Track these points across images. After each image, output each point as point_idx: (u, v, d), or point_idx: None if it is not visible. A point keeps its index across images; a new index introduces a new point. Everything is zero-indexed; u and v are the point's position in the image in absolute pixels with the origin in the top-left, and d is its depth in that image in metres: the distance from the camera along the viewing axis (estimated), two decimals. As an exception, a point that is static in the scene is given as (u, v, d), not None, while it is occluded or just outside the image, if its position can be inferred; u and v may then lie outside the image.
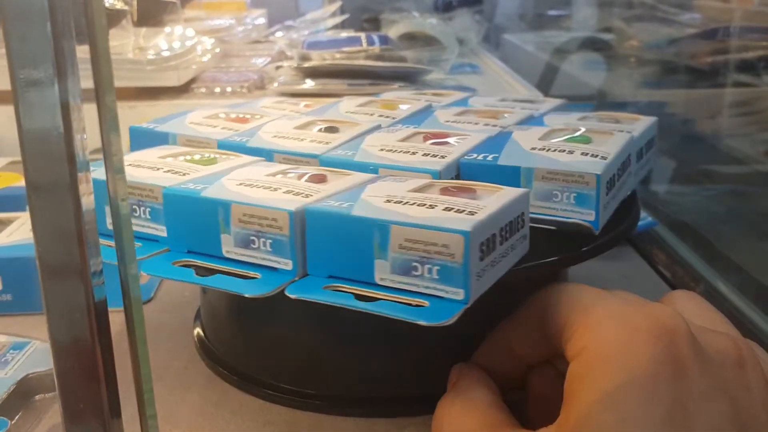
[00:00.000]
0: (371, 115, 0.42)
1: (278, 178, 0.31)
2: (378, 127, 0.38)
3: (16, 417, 0.32)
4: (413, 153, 0.33)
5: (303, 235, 0.27)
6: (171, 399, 0.34)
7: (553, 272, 0.33)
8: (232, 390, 0.34)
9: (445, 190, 0.29)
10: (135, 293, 0.20)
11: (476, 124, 0.39)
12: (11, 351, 0.35)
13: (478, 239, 0.25)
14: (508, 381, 0.29)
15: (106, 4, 0.74)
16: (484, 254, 0.26)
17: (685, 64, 0.86)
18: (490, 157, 0.33)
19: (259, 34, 1.08)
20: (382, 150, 0.34)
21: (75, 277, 0.19)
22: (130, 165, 0.32)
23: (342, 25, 1.09)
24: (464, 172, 0.33)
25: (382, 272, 0.26)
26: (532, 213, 0.31)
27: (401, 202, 0.27)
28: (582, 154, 0.32)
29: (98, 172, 0.29)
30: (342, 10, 1.15)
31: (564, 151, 0.33)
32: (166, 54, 0.72)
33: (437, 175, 0.31)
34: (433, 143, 0.35)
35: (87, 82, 0.19)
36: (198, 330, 0.38)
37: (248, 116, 0.41)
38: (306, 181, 0.30)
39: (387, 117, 0.41)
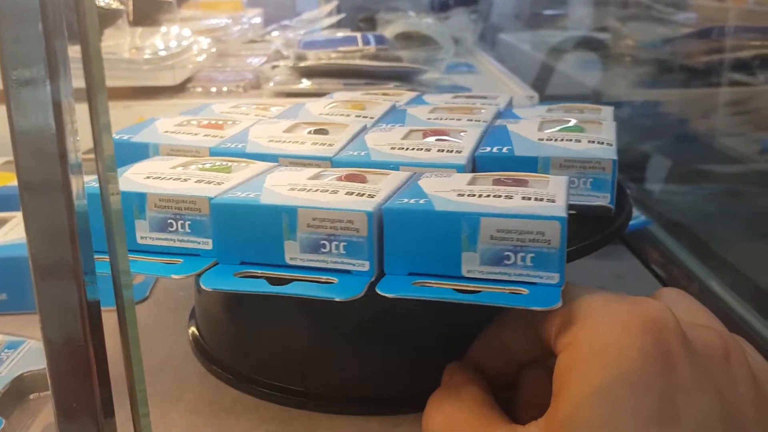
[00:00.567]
0: (347, 116, 0.41)
1: (324, 181, 0.30)
2: (365, 128, 0.38)
3: (11, 416, 0.32)
4: (427, 150, 0.34)
5: (380, 236, 0.27)
6: (166, 398, 0.34)
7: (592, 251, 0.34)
8: (227, 389, 0.34)
9: (499, 182, 0.30)
10: (127, 292, 0.20)
11: (459, 120, 0.40)
12: (6, 350, 0.35)
13: (567, 225, 0.26)
14: (500, 379, 0.29)
15: (102, 4, 0.74)
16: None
17: (680, 63, 0.86)
18: (504, 149, 0.33)
19: (255, 34, 1.08)
20: (393, 148, 0.34)
21: (68, 276, 0.19)
22: (148, 178, 0.31)
23: (338, 25, 1.09)
24: (480, 165, 0.33)
25: (469, 264, 0.27)
26: None
27: (474, 195, 0.28)
28: (589, 142, 0.34)
29: (124, 184, 0.30)
30: (338, 10, 1.15)
31: (571, 140, 0.34)
32: (162, 53, 0.72)
33: (462, 168, 0.32)
34: (437, 139, 0.35)
35: (80, 82, 0.19)
36: (193, 329, 0.39)
37: (220, 122, 0.39)
38: (349, 181, 0.30)
39: (365, 117, 0.41)
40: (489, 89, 0.79)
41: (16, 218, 0.45)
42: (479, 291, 0.26)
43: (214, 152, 0.36)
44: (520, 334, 0.28)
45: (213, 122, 0.39)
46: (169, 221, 0.29)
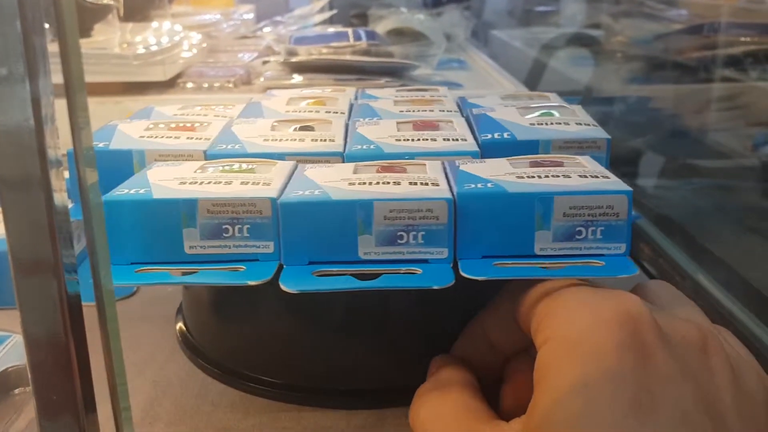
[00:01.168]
0: (316, 111, 0.40)
1: (373, 174, 0.30)
2: (346, 123, 0.38)
3: (-3, 411, 0.32)
4: (433, 140, 0.34)
5: (455, 222, 0.28)
6: (152, 392, 0.34)
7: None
8: (214, 383, 0.34)
9: (536, 164, 0.31)
10: (107, 285, 0.20)
11: (431, 111, 0.40)
12: (-8, 345, 0.35)
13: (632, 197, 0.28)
14: (488, 372, 0.29)
15: (92, -1, 0.74)
16: None
17: (671, 59, 0.86)
18: (506, 135, 0.34)
19: (247, 30, 1.08)
20: (398, 140, 0.34)
21: (47, 271, 0.19)
22: (183, 184, 0.29)
23: (330, 21, 1.09)
24: (486, 151, 0.34)
25: (542, 242, 0.28)
26: None
27: (534, 176, 0.29)
28: (577, 124, 0.35)
29: (163, 192, 0.29)
30: (330, 6, 1.15)
31: (561, 123, 0.36)
32: (152, 49, 0.72)
33: (477, 155, 0.33)
34: (431, 130, 0.36)
35: (60, 78, 0.19)
36: (180, 323, 0.39)
37: (188, 124, 0.37)
38: (386, 173, 0.30)
39: (335, 112, 0.40)
40: (480, 85, 0.79)
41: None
42: (548, 268, 0.27)
43: (211, 155, 0.34)
44: (503, 325, 0.28)
45: (182, 125, 0.37)
46: (225, 227, 0.28)
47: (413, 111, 0.40)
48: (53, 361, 0.20)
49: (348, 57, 0.74)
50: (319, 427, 0.32)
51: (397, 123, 0.37)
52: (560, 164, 0.31)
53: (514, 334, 0.27)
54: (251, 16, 1.15)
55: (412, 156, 0.33)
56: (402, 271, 0.28)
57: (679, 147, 0.80)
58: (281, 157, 0.33)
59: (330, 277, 0.27)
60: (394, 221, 0.27)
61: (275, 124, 0.37)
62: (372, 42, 0.77)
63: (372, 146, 0.34)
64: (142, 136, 0.35)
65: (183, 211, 0.28)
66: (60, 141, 0.19)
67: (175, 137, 0.35)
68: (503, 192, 0.28)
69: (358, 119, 0.38)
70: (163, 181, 0.29)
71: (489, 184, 0.28)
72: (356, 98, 0.45)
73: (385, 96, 0.45)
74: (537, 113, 0.38)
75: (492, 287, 0.29)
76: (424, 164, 0.31)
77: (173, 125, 0.37)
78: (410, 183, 0.29)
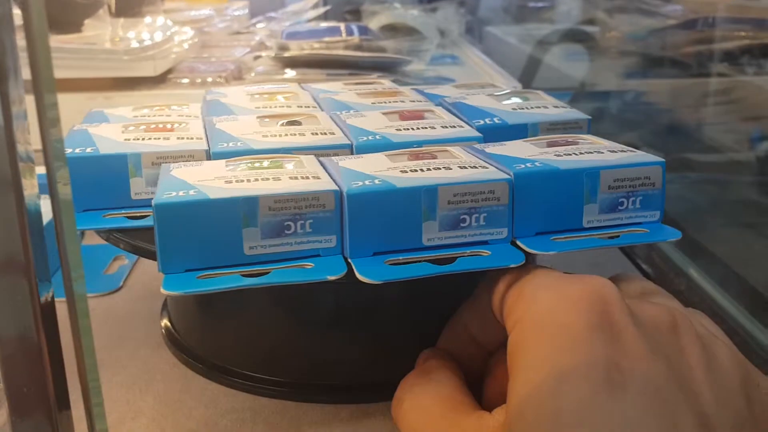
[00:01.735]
0: (289, 107, 0.40)
1: (409, 162, 0.30)
2: (329, 117, 0.37)
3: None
4: (433, 128, 0.35)
5: (513, 202, 0.28)
6: (135, 387, 0.33)
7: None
8: (197, 378, 0.34)
9: (555, 143, 0.32)
10: (77, 282, 0.19)
11: (403, 102, 0.40)
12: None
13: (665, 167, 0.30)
14: (474, 366, 0.29)
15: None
16: None
17: (665, 54, 0.86)
18: (496, 120, 0.36)
19: (240, 26, 1.08)
20: (399, 130, 0.34)
21: (18, 270, 0.19)
22: (228, 183, 0.28)
23: (324, 17, 1.08)
24: (483, 135, 0.35)
25: (590, 215, 0.29)
26: None
27: (571, 154, 0.30)
28: (555, 107, 0.37)
29: (216, 192, 0.27)
30: (324, 2, 1.14)
31: (540, 107, 0.37)
32: (142, 44, 0.72)
33: (481, 139, 0.34)
34: (420, 119, 0.36)
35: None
36: (165, 319, 0.38)
37: (160, 125, 0.35)
38: (423, 160, 0.30)
39: (307, 107, 0.40)
40: (473, 80, 0.78)
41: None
42: (592, 238, 0.29)
43: (216, 154, 0.32)
44: (481, 318, 0.28)
45: (161, 126, 0.35)
46: (287, 223, 0.27)
47: (385, 102, 0.40)
48: (25, 358, 0.20)
49: (340, 52, 0.73)
50: (303, 421, 0.31)
51: (383, 114, 0.37)
52: (575, 143, 0.32)
53: (493, 327, 0.27)
54: (245, 12, 1.14)
55: (420, 144, 0.33)
56: (467, 254, 0.28)
57: (671, 141, 0.80)
58: (289, 152, 0.32)
59: (406, 265, 0.27)
60: (458, 205, 0.28)
61: (264, 120, 0.36)
62: (364, 37, 0.77)
63: (377, 137, 0.34)
64: (128, 139, 0.33)
65: (243, 210, 0.26)
66: (31, 137, 0.19)
67: (165, 138, 0.34)
68: (556, 170, 0.28)
69: (339, 112, 0.38)
70: (205, 182, 0.28)
71: (537, 163, 0.29)
72: (313, 93, 0.43)
73: (342, 90, 0.44)
74: (512, 99, 0.39)
75: (473, 284, 0.29)
76: (448, 150, 0.32)
77: (149, 127, 0.35)
78: (460, 167, 0.29)
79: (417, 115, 0.36)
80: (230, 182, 0.28)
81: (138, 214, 0.32)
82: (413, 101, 0.40)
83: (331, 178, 0.29)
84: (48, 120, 0.19)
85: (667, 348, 0.22)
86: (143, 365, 0.35)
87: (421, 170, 0.29)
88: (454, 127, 0.35)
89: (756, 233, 0.60)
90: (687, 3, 0.87)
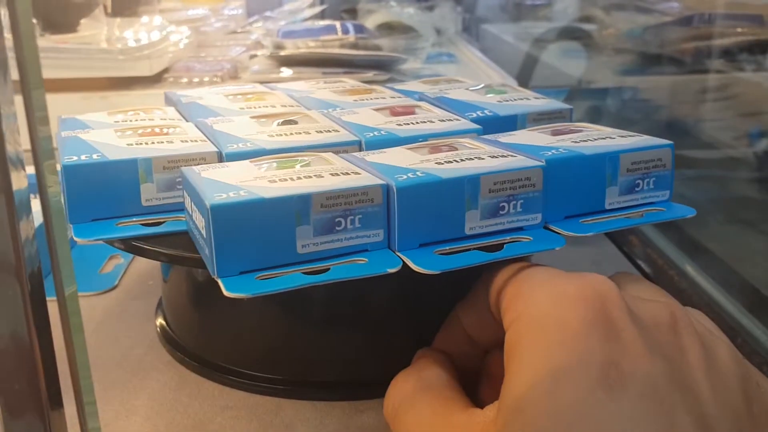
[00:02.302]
0: (273, 106, 0.40)
1: (433, 154, 0.30)
2: (321, 114, 0.37)
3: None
4: (431, 122, 0.35)
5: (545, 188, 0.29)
6: (129, 385, 0.33)
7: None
8: (192, 375, 0.34)
9: (559, 132, 0.33)
10: (68, 282, 0.19)
11: (384, 98, 0.41)
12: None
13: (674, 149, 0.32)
14: (469, 365, 0.29)
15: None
16: None
17: (662, 51, 0.86)
18: (487, 112, 0.37)
19: (237, 25, 1.08)
20: (399, 125, 0.35)
21: (9, 268, 0.19)
22: (272, 182, 0.27)
23: (321, 16, 1.08)
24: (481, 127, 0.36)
25: (612, 197, 0.31)
26: None
27: (588, 141, 0.32)
28: (536, 98, 0.39)
29: (267, 192, 0.26)
30: (321, 1, 1.14)
31: (522, 99, 0.39)
32: (138, 43, 0.72)
33: (480, 131, 0.35)
34: (413, 115, 0.36)
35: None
36: (159, 317, 0.38)
37: (148, 129, 0.34)
38: (445, 152, 0.30)
39: (291, 106, 0.40)
40: (469, 78, 0.78)
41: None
42: (608, 220, 0.30)
43: (229, 155, 0.32)
44: (477, 316, 0.28)
45: (153, 129, 0.34)
46: (338, 219, 0.27)
47: (366, 100, 0.40)
48: (17, 356, 0.20)
49: (336, 50, 0.73)
50: (297, 419, 0.31)
51: (374, 110, 0.37)
52: (580, 131, 0.33)
53: (488, 325, 0.27)
54: (241, 11, 1.14)
55: (425, 138, 0.33)
56: (507, 240, 0.28)
57: (668, 138, 0.80)
58: (302, 150, 0.32)
59: (458, 254, 0.27)
60: (498, 193, 0.28)
61: (260, 120, 0.36)
62: (360, 35, 0.77)
63: (383, 132, 0.34)
64: (129, 144, 0.32)
65: (296, 208, 0.26)
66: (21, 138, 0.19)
67: (168, 142, 0.33)
68: (582, 155, 0.30)
69: (332, 110, 0.38)
70: (247, 182, 0.27)
71: (561, 150, 0.30)
72: (285, 92, 0.43)
73: (313, 89, 0.44)
74: (491, 93, 0.40)
75: (467, 282, 0.29)
76: (461, 141, 0.32)
77: (149, 130, 0.34)
78: (491, 157, 0.29)
79: (408, 111, 0.37)
80: (274, 182, 0.27)
81: (153, 221, 0.31)
82: (393, 97, 0.41)
83: (368, 173, 0.29)
84: (37, 119, 0.19)
85: (666, 346, 0.22)
86: (138, 363, 0.35)
87: (455, 161, 0.29)
88: (451, 120, 0.35)
89: (754, 230, 0.60)
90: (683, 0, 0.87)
